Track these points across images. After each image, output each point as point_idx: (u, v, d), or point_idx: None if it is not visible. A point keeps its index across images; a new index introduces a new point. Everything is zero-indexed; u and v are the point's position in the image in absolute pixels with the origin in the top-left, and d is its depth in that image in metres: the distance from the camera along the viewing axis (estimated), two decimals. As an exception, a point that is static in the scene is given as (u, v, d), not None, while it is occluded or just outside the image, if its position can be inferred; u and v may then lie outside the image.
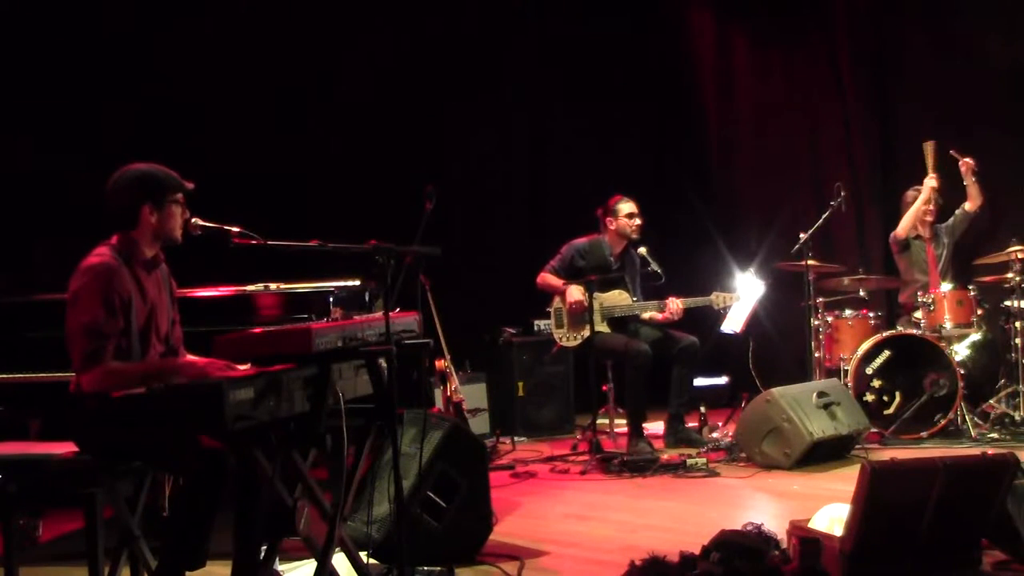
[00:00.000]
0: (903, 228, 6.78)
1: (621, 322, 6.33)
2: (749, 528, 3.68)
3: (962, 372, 6.08)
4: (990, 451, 4.28)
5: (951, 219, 6.84)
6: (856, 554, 3.31)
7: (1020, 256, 6.19)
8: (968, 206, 6.71)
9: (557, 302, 6.39)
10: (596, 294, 6.14)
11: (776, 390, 5.69)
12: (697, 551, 3.51)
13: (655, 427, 6.54)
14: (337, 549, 3.35)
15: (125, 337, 3.26)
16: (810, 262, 6.42)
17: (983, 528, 3.51)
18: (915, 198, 6.79)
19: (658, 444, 6.28)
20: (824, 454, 5.61)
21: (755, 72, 8.67)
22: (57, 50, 6.15)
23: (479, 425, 6.85)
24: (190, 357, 3.44)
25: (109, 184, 3.38)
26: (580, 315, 6.21)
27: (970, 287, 6.46)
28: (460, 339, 6.75)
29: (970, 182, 6.64)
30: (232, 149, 6.63)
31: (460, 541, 4.01)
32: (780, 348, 7.70)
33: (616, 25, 8.65)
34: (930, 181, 6.68)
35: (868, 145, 8.09)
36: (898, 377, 6.22)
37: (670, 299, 6.21)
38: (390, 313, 3.21)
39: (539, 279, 6.45)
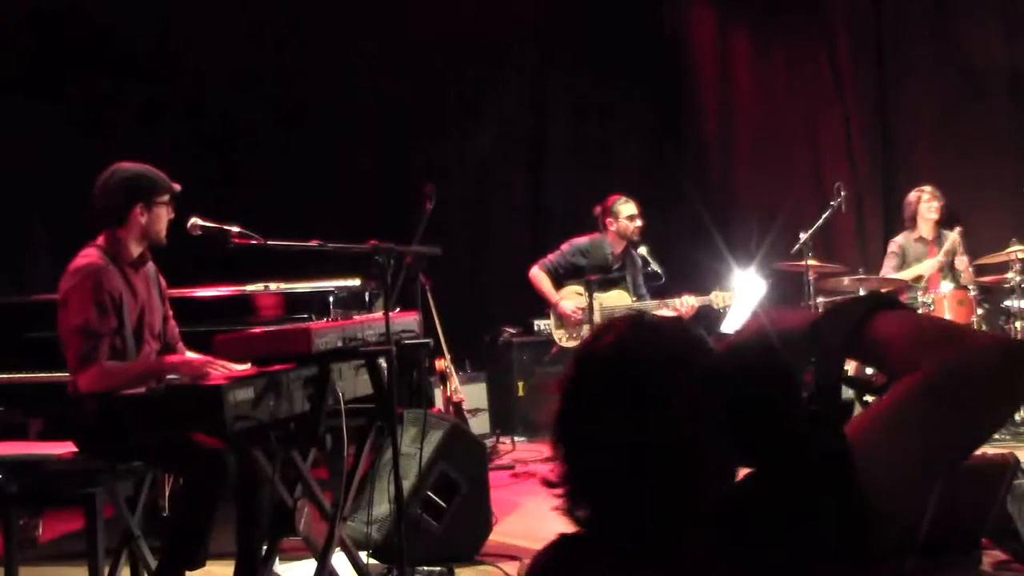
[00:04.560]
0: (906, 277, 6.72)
1: (621, 322, 6.31)
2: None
3: (962, 372, 6.06)
4: (990, 451, 4.28)
5: (950, 243, 6.68)
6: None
7: (1020, 256, 6.19)
8: (963, 274, 6.63)
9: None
10: (596, 294, 6.13)
11: (776, 390, 5.67)
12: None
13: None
14: (337, 549, 3.35)
15: (119, 337, 3.26)
16: (810, 262, 6.41)
17: (983, 528, 3.51)
18: (918, 199, 6.77)
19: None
20: (824, 454, 5.59)
21: (755, 71, 8.66)
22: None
23: (479, 425, 6.84)
24: (188, 355, 3.44)
25: (99, 183, 3.35)
26: (579, 321, 6.22)
27: (970, 287, 6.45)
28: (460, 339, 6.75)
29: (967, 274, 6.61)
30: (232, 149, 6.63)
31: (460, 541, 4.00)
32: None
33: (616, 24, 8.64)
34: (937, 259, 6.64)
35: (868, 145, 8.09)
36: (898, 377, 6.20)
37: (684, 296, 6.16)
38: (390, 313, 3.21)
39: (532, 275, 6.41)
